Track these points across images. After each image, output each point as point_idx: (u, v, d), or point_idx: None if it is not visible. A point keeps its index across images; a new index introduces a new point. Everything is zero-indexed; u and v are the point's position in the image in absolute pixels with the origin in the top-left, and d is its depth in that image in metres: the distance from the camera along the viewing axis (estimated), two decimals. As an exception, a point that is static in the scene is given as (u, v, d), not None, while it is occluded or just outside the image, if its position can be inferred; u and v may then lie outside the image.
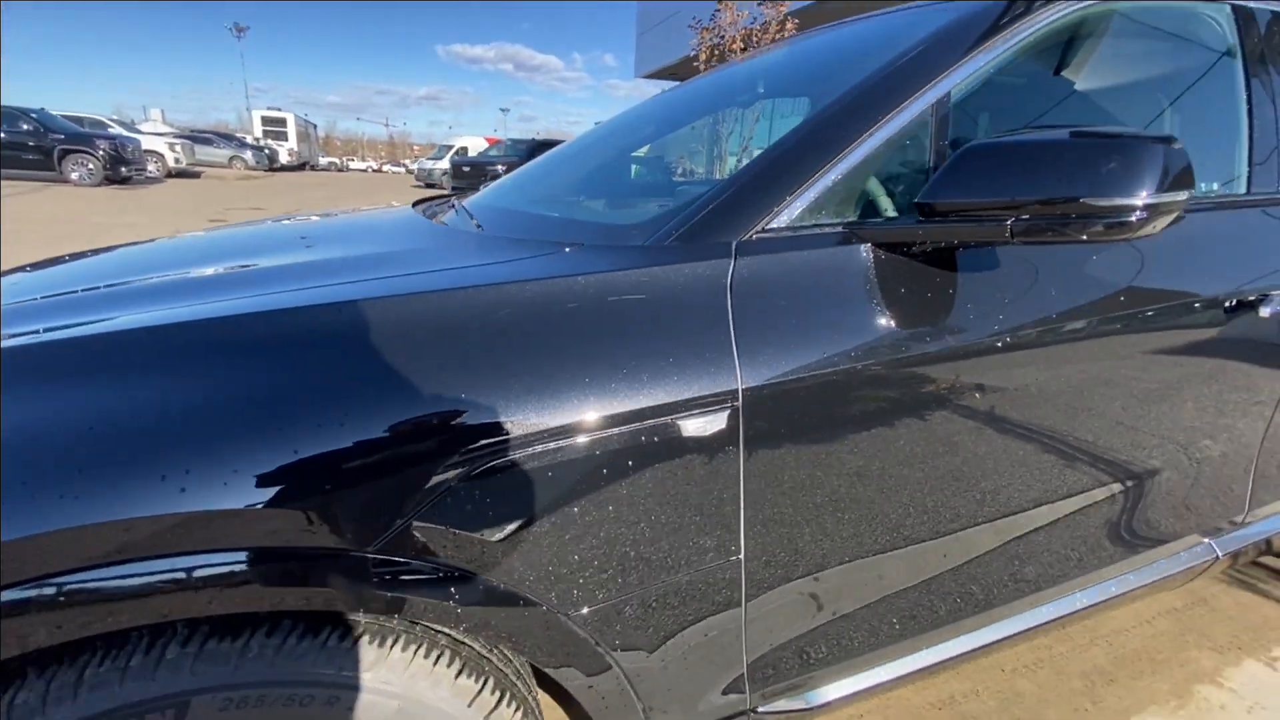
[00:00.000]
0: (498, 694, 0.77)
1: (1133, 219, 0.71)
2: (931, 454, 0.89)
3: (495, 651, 0.78)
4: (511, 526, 0.67)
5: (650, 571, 0.76)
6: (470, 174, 15.12)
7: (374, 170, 44.63)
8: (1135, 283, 0.99)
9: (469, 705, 0.75)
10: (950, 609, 1.05)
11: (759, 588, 0.84)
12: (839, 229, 0.85)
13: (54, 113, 15.99)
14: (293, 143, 32.93)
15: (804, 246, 0.83)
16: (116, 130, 18.24)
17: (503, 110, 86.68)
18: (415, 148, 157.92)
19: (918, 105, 0.90)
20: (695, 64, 5.65)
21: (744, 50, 5.28)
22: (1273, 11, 1.28)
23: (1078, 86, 1.14)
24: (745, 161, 0.97)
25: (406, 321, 0.68)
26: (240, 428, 0.59)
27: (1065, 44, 1.10)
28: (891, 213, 0.92)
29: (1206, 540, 1.32)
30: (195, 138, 23.74)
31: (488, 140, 25.19)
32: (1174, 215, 0.72)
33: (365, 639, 0.69)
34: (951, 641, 1.08)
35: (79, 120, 17.98)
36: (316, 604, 0.63)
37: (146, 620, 0.58)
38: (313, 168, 37.71)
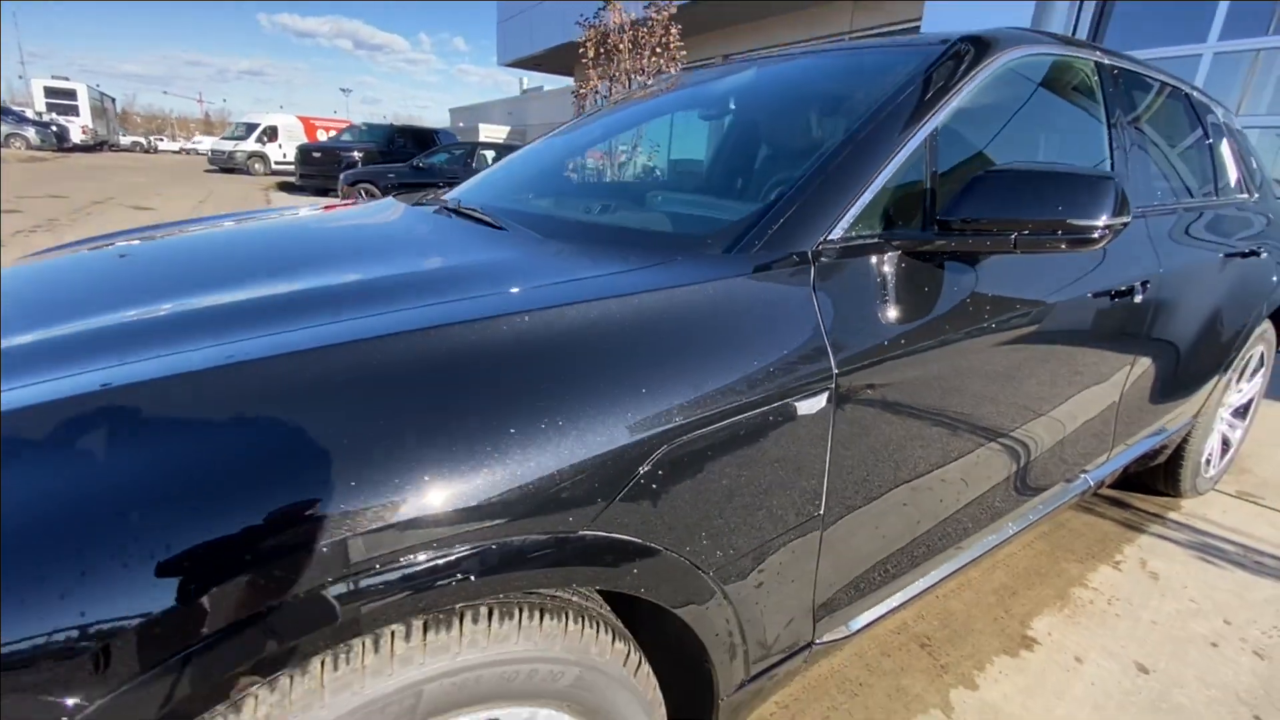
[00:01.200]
0: (637, 656, 0.87)
1: (1096, 235, 0.97)
2: (945, 428, 1.13)
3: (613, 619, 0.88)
4: (681, 499, 0.78)
5: (759, 526, 0.90)
6: (321, 160, 13.91)
7: (185, 152, 38.75)
8: (1072, 282, 1.31)
9: (623, 665, 0.85)
10: (938, 546, 1.30)
11: (831, 538, 1.01)
12: (876, 239, 1.04)
13: None
14: (86, 118, 28.01)
15: (854, 254, 1.01)
16: None
17: (344, 90, 79.97)
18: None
19: (920, 136, 1.12)
20: (584, 60, 5.75)
21: (629, 48, 5.48)
22: (1122, 67, 1.69)
23: (1009, 121, 1.44)
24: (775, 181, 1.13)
25: (597, 328, 0.76)
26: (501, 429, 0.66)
27: (1000, 87, 1.38)
28: (906, 226, 1.12)
29: (1085, 474, 1.71)
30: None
31: (304, 120, 22.80)
32: (1119, 232, 0.99)
33: (549, 616, 0.76)
34: (934, 571, 1.34)
35: None
36: (554, 582, 0.70)
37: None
38: (112, 147, 32.33)
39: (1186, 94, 2.07)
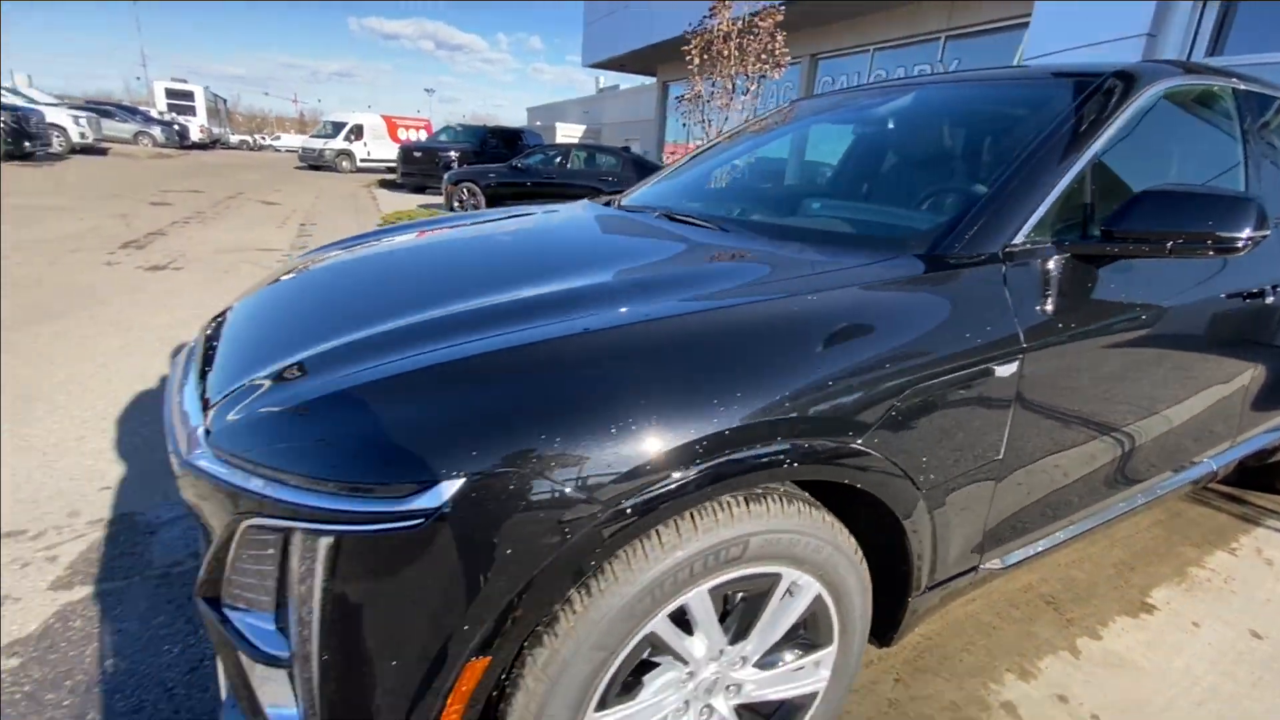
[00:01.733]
0: (860, 552, 1.18)
1: (1240, 245, 1.20)
2: (1098, 401, 1.38)
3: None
4: (912, 431, 1.08)
5: (957, 462, 1.19)
6: (421, 159, 14.84)
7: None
8: (1209, 284, 1.52)
9: (854, 554, 1.15)
10: (1080, 503, 1.54)
11: (1003, 481, 1.29)
12: (1049, 244, 1.31)
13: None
14: (202, 118, 30.63)
15: (1034, 256, 1.27)
16: (9, 99, 16.51)
17: (428, 91, 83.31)
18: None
19: (1084, 159, 1.37)
20: (689, 65, 6.07)
21: (736, 54, 5.75)
22: (1256, 91, 1.85)
23: (1153, 146, 1.65)
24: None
25: (866, 306, 1.08)
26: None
27: (1147, 115, 1.60)
28: (1069, 235, 1.37)
29: (1209, 459, 1.89)
30: (98, 110, 21.71)
31: (386, 118, 23.72)
32: (1259, 242, 1.21)
33: (814, 508, 1.08)
34: (1074, 525, 1.58)
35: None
36: (829, 476, 1.02)
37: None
38: (223, 145, 35.18)
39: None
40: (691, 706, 1.11)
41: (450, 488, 0.77)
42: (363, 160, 22.15)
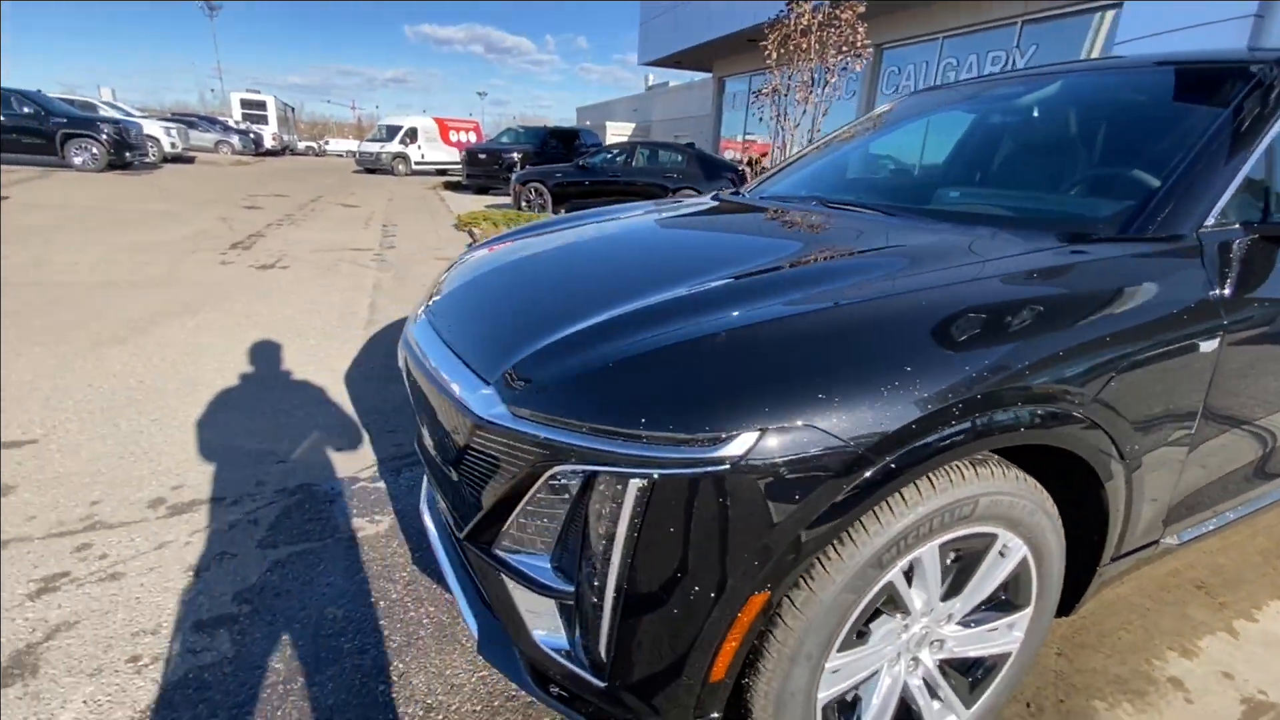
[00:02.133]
0: (1059, 518, 1.24)
1: None
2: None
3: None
4: (1119, 400, 1.15)
5: (1154, 434, 1.24)
6: (485, 161, 15.27)
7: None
8: None
9: (1056, 517, 1.22)
10: (1250, 484, 1.56)
11: (1192, 457, 1.33)
12: (1237, 226, 1.34)
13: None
14: (274, 126, 32.22)
15: (1225, 237, 1.31)
16: (108, 112, 17.82)
17: (480, 94, 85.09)
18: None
19: (1264, 144, 1.39)
20: (767, 60, 6.10)
21: (817, 47, 5.74)
22: None
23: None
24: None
25: (1071, 285, 1.16)
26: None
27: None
28: (1252, 216, 1.40)
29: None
30: (184, 121, 23.14)
31: (438, 121, 23.84)
32: None
33: (1024, 473, 1.15)
34: (1243, 506, 1.60)
35: (69, 102, 17.46)
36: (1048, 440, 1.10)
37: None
38: (292, 151, 36.90)
39: None
40: (902, 658, 1.21)
41: (749, 439, 0.89)
42: (417, 163, 22.57)
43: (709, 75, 20.87)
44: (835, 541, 0.98)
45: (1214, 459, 1.41)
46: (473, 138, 23.61)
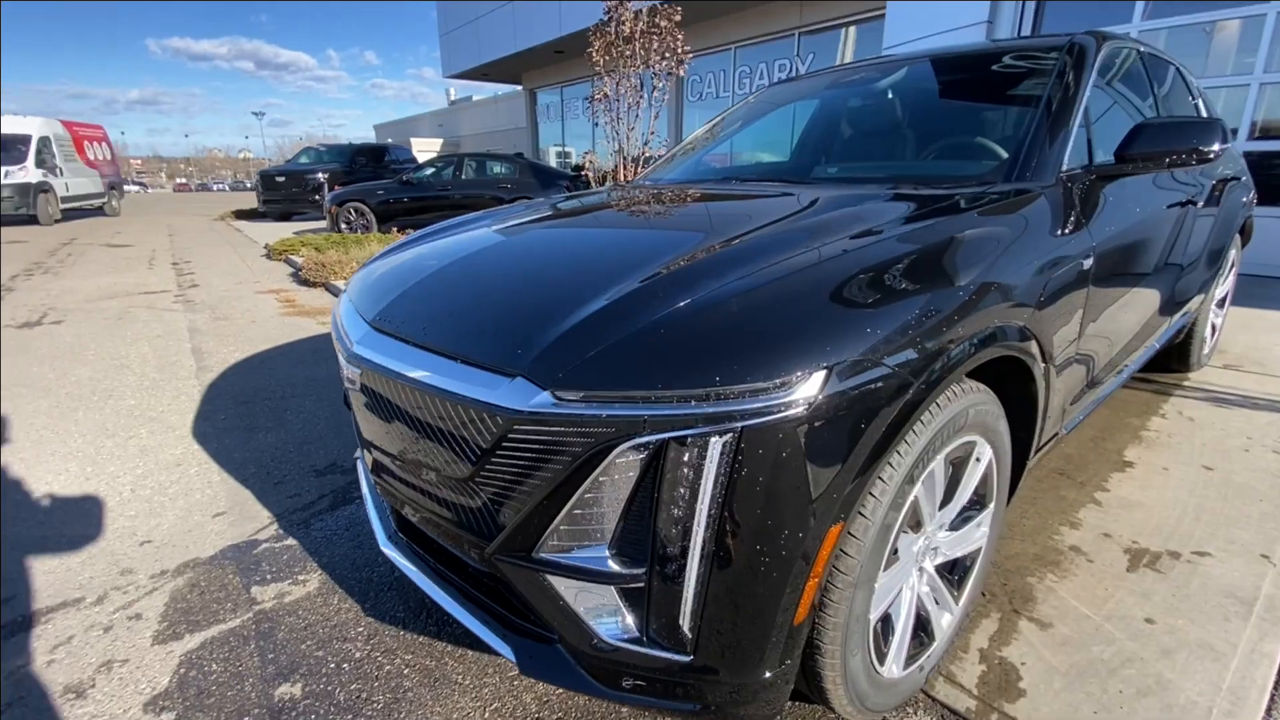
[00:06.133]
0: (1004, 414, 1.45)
1: (1212, 155, 1.62)
2: (1126, 279, 1.78)
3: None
4: (1045, 310, 1.37)
5: (1065, 340, 1.50)
6: (285, 184, 13.76)
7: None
8: (1165, 192, 1.99)
9: (1005, 423, 1.43)
10: (1108, 370, 1.95)
11: (1081, 353, 1.63)
12: (1082, 169, 1.67)
13: None
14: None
15: (1075, 178, 1.63)
16: None
17: (256, 114, 76.38)
18: (136, 161, 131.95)
19: (1081, 102, 1.75)
20: (595, 66, 6.25)
21: (642, 54, 6.02)
22: (1150, 52, 2.39)
23: (1108, 90, 2.11)
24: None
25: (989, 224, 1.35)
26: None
27: (1105, 71, 2.03)
28: (1085, 163, 1.74)
29: (1154, 343, 2.42)
30: None
31: (68, 127, 14.98)
32: (1221, 153, 1.65)
33: (985, 384, 1.33)
34: (1101, 391, 1.99)
35: None
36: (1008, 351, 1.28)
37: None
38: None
39: (1178, 69, 2.83)
40: (913, 570, 1.33)
41: (820, 378, 0.93)
42: (65, 199, 14.00)
43: (519, 87, 20.79)
44: (887, 464, 1.06)
45: (1090, 358, 1.74)
46: (106, 151, 16.78)
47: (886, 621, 1.29)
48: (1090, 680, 1.42)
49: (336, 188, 11.61)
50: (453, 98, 38.29)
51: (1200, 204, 2.40)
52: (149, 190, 62.79)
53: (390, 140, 37.16)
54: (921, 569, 1.36)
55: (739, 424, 0.91)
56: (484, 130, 26.52)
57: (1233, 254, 3.19)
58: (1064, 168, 1.62)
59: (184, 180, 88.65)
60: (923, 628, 1.38)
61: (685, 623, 1.00)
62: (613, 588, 1.03)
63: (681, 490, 0.94)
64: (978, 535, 1.48)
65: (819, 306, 1.02)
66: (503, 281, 1.38)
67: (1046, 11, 6.34)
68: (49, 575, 1.89)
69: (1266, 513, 2.06)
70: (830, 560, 1.02)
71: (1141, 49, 2.36)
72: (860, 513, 1.05)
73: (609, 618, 1.06)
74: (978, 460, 1.35)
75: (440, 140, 33.47)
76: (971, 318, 1.13)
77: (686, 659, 1.02)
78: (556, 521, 1.03)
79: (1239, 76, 5.52)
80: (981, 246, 1.26)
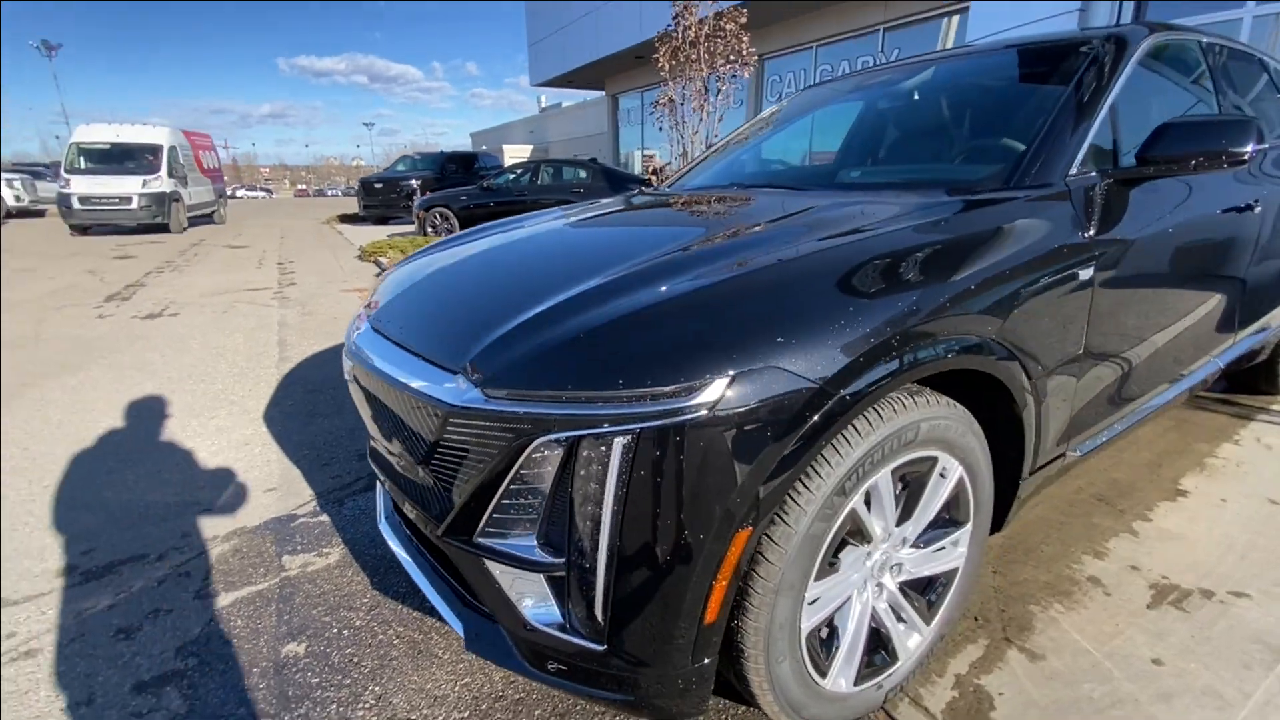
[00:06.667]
0: (981, 431, 1.39)
1: (1246, 157, 1.47)
2: (1150, 299, 1.65)
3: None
4: (1023, 326, 1.31)
5: (1052, 353, 1.42)
6: (382, 190, 14.79)
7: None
8: (1211, 197, 1.81)
9: (983, 439, 1.37)
10: (1133, 394, 1.80)
11: (1085, 371, 1.53)
12: (1095, 173, 1.56)
13: None
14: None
15: (1085, 182, 1.53)
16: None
17: (366, 125, 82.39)
18: (264, 170, 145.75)
19: (1106, 102, 1.63)
20: (661, 72, 6.33)
21: (707, 57, 6.04)
22: (1218, 45, 2.18)
23: (1150, 88, 1.95)
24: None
25: (978, 226, 1.31)
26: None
27: (1145, 66, 1.88)
28: (1105, 164, 1.63)
29: (1217, 358, 2.19)
30: (30, 172, 20.83)
31: (189, 136, 15.36)
32: (1256, 154, 1.49)
33: (950, 398, 1.29)
34: (1130, 416, 1.84)
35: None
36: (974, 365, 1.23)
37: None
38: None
39: (1265, 61, 2.54)
40: (868, 584, 1.31)
41: (721, 384, 0.96)
42: (190, 208, 14.32)
43: (602, 93, 21.25)
44: (804, 474, 1.06)
45: (1103, 374, 1.62)
46: (215, 159, 17.42)
47: (832, 633, 1.28)
48: (1070, 718, 1.33)
49: (427, 193, 12.37)
50: (544, 105, 39.64)
51: (1275, 208, 2.15)
52: (274, 195, 69.02)
53: (484, 147, 38.92)
54: (880, 585, 1.34)
55: (638, 425, 0.95)
56: (572, 136, 27.25)
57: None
58: (1072, 171, 1.52)
59: (304, 186, 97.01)
60: (882, 645, 1.36)
61: (599, 613, 1.05)
62: (541, 575, 1.09)
63: (592, 486, 1.00)
64: (953, 555, 1.42)
65: (731, 316, 1.04)
66: (471, 287, 1.48)
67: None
68: (127, 532, 2.19)
69: (1336, 556, 1.83)
70: (741, 564, 1.04)
71: (1212, 41, 2.15)
72: (782, 519, 1.06)
73: (539, 603, 1.12)
74: (942, 477, 1.31)
75: (530, 146, 34.73)
76: (911, 329, 1.11)
77: (601, 648, 1.07)
78: (490, 509, 1.11)
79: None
80: (932, 255, 1.22)
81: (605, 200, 2.36)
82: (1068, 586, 1.75)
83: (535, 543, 1.09)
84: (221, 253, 10.33)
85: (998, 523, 1.57)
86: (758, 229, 1.41)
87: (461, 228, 10.67)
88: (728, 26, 6.01)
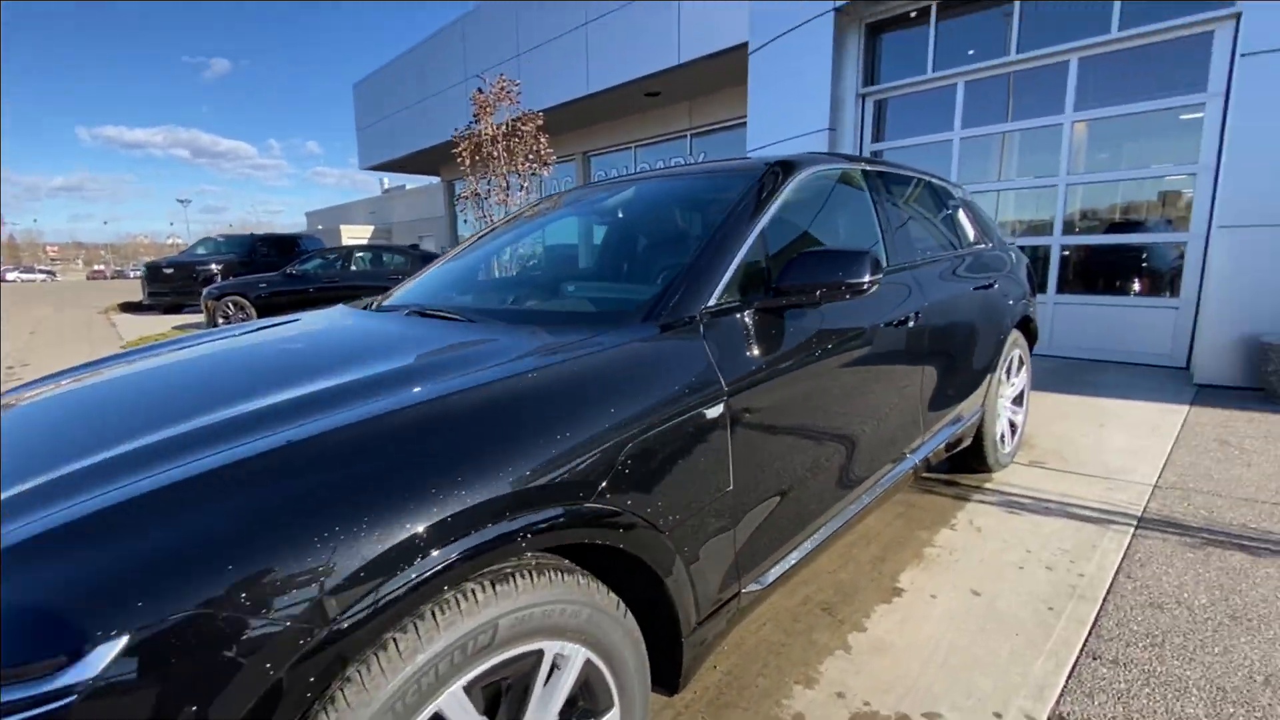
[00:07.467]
0: (624, 606, 1.24)
1: (864, 287, 1.54)
2: (804, 426, 1.64)
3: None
4: (648, 482, 1.19)
5: (692, 499, 1.32)
6: (173, 277, 13.15)
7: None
8: (859, 317, 1.91)
9: (617, 609, 1.21)
10: (814, 513, 1.79)
11: (739, 509, 1.45)
12: (737, 303, 1.56)
13: None
14: None
15: (725, 314, 1.51)
16: None
17: (181, 202, 74.93)
18: (51, 249, 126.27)
19: (755, 231, 1.67)
20: (461, 166, 6.28)
21: (505, 156, 6.11)
22: (880, 170, 2.43)
23: (809, 214, 2.07)
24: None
25: (588, 374, 1.18)
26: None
27: (802, 193, 2.01)
28: (754, 293, 1.65)
29: (909, 456, 2.32)
30: None
31: None
32: (877, 284, 1.58)
33: (568, 574, 1.12)
34: (816, 534, 1.82)
35: None
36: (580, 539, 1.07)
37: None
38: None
39: (929, 182, 2.92)
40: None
41: (109, 650, 0.68)
42: None
43: (438, 179, 21.13)
44: (299, 735, 0.80)
45: (766, 505, 1.57)
46: None
47: None
48: None
49: (230, 278, 11.14)
50: (386, 186, 38.63)
51: (940, 315, 2.38)
52: (57, 278, 59.49)
53: (320, 227, 36.80)
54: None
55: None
56: (416, 217, 26.62)
57: (1017, 352, 3.23)
58: (710, 302, 1.50)
59: (100, 267, 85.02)
60: None
61: None
62: None
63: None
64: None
65: (142, 545, 0.78)
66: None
67: (888, 114, 6.82)
68: None
69: (1018, 650, 1.90)
70: None
71: (868, 169, 2.40)
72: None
73: None
74: (557, 668, 1.11)
75: (372, 227, 33.36)
76: (442, 521, 0.92)
77: None
78: None
79: (1048, 178, 5.98)
80: (519, 411, 1.08)
81: (307, 316, 2.07)
82: (772, 731, 1.63)
83: None
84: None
85: (675, 683, 1.42)
86: (312, 389, 1.18)
87: (261, 317, 9.64)
88: (525, 128, 6.16)
